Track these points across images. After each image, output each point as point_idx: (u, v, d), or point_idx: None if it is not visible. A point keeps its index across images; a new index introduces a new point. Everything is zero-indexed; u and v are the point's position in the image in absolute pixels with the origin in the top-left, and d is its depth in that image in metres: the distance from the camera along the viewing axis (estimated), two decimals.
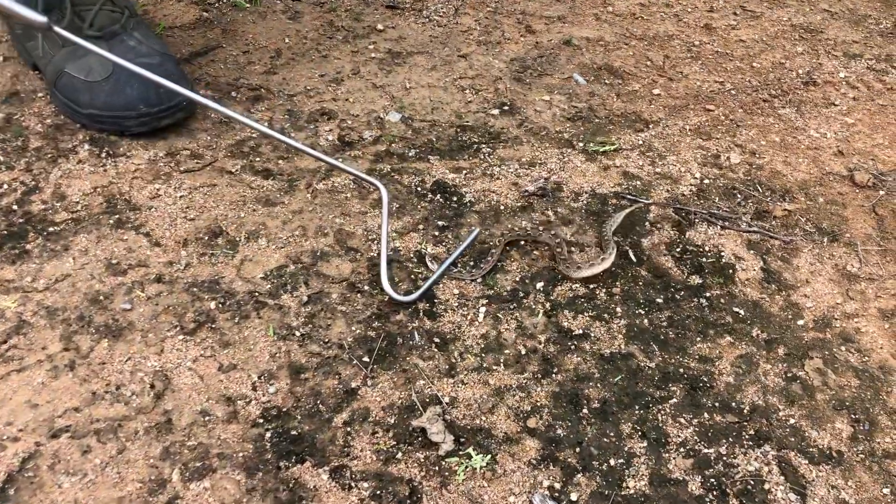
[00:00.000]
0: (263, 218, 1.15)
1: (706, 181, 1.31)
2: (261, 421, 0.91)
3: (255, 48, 1.49)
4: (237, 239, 1.11)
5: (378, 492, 0.86)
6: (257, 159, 1.25)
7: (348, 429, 0.92)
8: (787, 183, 1.32)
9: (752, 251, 1.20)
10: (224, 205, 1.16)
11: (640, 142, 1.38)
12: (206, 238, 1.11)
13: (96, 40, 1.22)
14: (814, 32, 1.74)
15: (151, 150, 1.24)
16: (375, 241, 1.13)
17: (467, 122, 1.38)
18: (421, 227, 1.16)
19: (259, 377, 0.95)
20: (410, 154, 1.29)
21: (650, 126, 1.42)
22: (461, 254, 1.11)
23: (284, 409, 0.93)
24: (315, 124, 1.33)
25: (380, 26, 1.59)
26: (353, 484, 0.86)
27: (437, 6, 1.68)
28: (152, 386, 0.93)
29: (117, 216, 1.12)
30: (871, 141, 1.44)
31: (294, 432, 0.91)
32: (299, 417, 0.92)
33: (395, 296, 1.04)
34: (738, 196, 1.29)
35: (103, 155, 1.22)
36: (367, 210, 1.18)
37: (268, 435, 0.90)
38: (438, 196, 1.22)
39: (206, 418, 0.91)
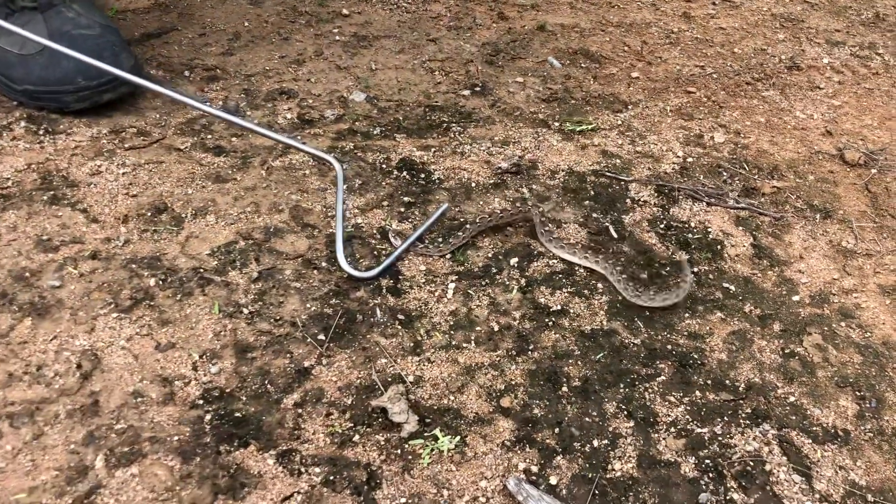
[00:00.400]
0: (213, 194, 1.05)
1: (689, 160, 1.23)
2: (200, 402, 0.81)
3: (213, 31, 1.41)
4: (183, 215, 1.02)
5: (331, 477, 0.76)
6: (209, 136, 1.16)
7: (299, 410, 0.81)
8: (774, 161, 1.25)
9: (740, 227, 1.11)
10: (171, 181, 1.07)
11: (619, 122, 1.31)
12: (149, 214, 1.01)
13: (31, 11, 1.13)
14: (795, 21, 1.68)
15: (95, 128, 1.14)
16: (335, 218, 1.04)
17: (436, 102, 1.30)
18: (385, 203, 1.07)
19: (201, 356, 0.85)
20: (375, 132, 1.21)
21: (629, 107, 1.35)
22: (428, 230, 1.02)
23: (228, 390, 0.82)
24: (273, 103, 1.24)
25: (345, 11, 1.51)
26: (302, 469, 0.76)
27: None
28: (79, 366, 0.83)
29: (52, 192, 1.03)
30: (859, 122, 1.37)
31: (238, 414, 0.80)
32: (244, 399, 0.82)
33: (352, 271, 0.95)
34: (724, 174, 1.21)
35: (41, 132, 1.12)
36: (328, 187, 1.09)
37: (208, 417, 0.80)
38: (405, 173, 1.13)
39: (139, 400, 0.80)
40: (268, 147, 1.15)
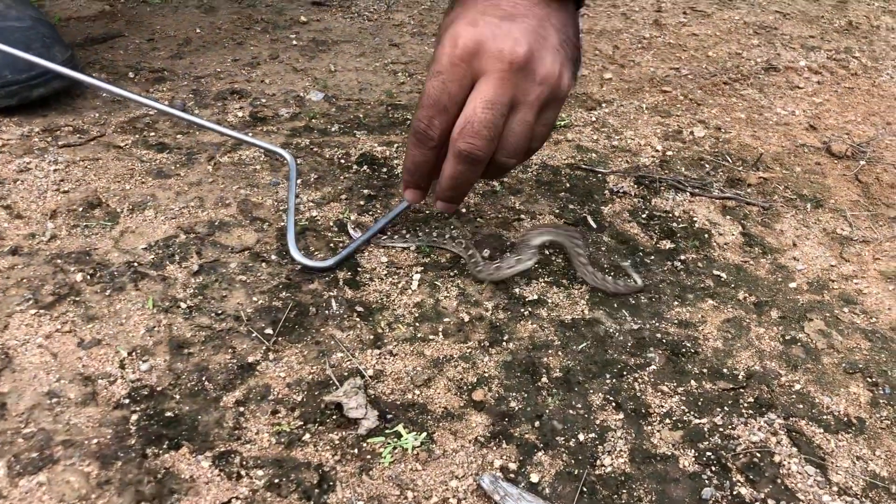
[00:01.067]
0: (153, 190, 0.96)
1: (669, 153, 1.16)
2: (126, 402, 0.70)
3: (162, 37, 1.33)
4: (118, 210, 0.92)
5: (276, 480, 0.65)
6: (152, 134, 1.07)
7: (241, 409, 0.71)
8: (758, 154, 1.17)
9: (728, 217, 1.03)
10: (107, 178, 0.97)
11: (594, 119, 1.24)
12: (81, 210, 0.91)
13: None
14: (768, 29, 1.64)
15: (26, 126, 1.05)
16: (287, 212, 0.94)
17: (399, 101, 1.22)
18: (344, 196, 0.98)
19: (130, 353, 0.75)
20: (333, 129, 1.13)
21: (603, 105, 1.28)
22: (390, 222, 0.93)
23: (159, 389, 0.72)
24: (223, 102, 1.16)
25: (304, 18, 1.45)
26: (242, 472, 0.65)
27: (367, 3, 1.55)
28: None
29: None
30: (842, 118, 1.31)
31: (169, 414, 0.70)
32: (178, 397, 0.71)
33: (305, 261, 0.85)
34: (707, 166, 1.14)
35: None
36: (280, 181, 1.00)
37: (134, 418, 0.69)
38: (365, 167, 1.04)
39: (54, 401, 0.69)
40: (216, 143, 1.06)
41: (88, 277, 0.82)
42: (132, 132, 1.06)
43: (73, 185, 0.95)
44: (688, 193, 1.06)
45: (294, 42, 1.35)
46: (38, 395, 0.70)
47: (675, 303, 0.88)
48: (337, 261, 0.86)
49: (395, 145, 1.10)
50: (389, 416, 0.71)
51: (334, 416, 0.71)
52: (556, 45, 0.75)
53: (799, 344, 0.85)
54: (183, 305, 0.80)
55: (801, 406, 0.77)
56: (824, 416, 0.77)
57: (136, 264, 0.85)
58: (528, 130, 0.76)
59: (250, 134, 1.08)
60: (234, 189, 0.97)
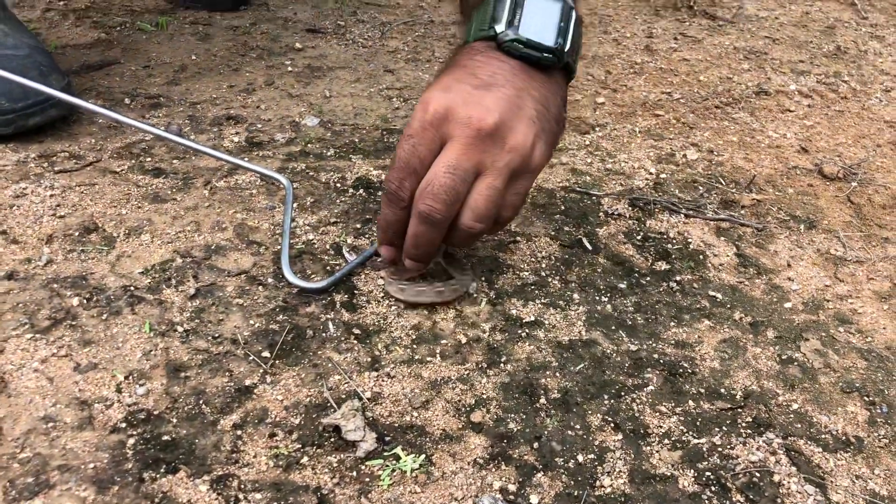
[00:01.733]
0: (150, 214, 0.96)
1: (663, 175, 1.17)
2: (123, 426, 0.70)
3: (158, 64, 1.34)
4: (115, 235, 0.92)
5: None
6: (148, 159, 1.07)
7: (239, 432, 0.71)
8: (751, 176, 1.18)
9: (722, 238, 1.04)
10: (103, 203, 0.97)
11: (587, 142, 1.24)
12: (77, 234, 0.91)
13: None
14: (758, 54, 1.66)
15: (22, 153, 1.05)
16: (282, 235, 0.94)
17: (395, 126, 1.23)
18: (340, 221, 0.99)
19: (126, 377, 0.74)
20: (329, 153, 1.13)
21: (596, 129, 1.29)
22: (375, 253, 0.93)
23: (156, 412, 0.71)
24: (219, 127, 1.16)
25: (298, 45, 1.46)
26: (241, 496, 0.65)
27: (361, 31, 1.56)
28: None
29: None
30: (833, 140, 1.33)
31: (166, 437, 0.69)
32: (175, 421, 0.71)
33: (298, 282, 0.85)
34: (701, 188, 1.15)
35: None
36: (276, 206, 1.00)
37: (130, 442, 0.68)
38: (361, 191, 1.05)
39: (50, 425, 0.69)
40: (212, 168, 1.06)
41: (85, 302, 0.82)
42: (128, 157, 1.07)
43: (69, 211, 0.95)
44: (682, 215, 1.07)
45: (289, 68, 1.37)
46: (34, 419, 0.69)
47: (672, 323, 0.89)
48: (330, 282, 0.86)
49: None
50: (388, 439, 0.71)
51: (332, 439, 0.71)
52: (531, 116, 0.77)
53: (795, 363, 0.85)
54: (180, 329, 0.80)
55: (800, 425, 0.77)
56: (822, 436, 0.77)
57: (132, 288, 0.85)
58: (496, 196, 0.77)
59: (246, 159, 1.08)
60: (231, 213, 0.98)
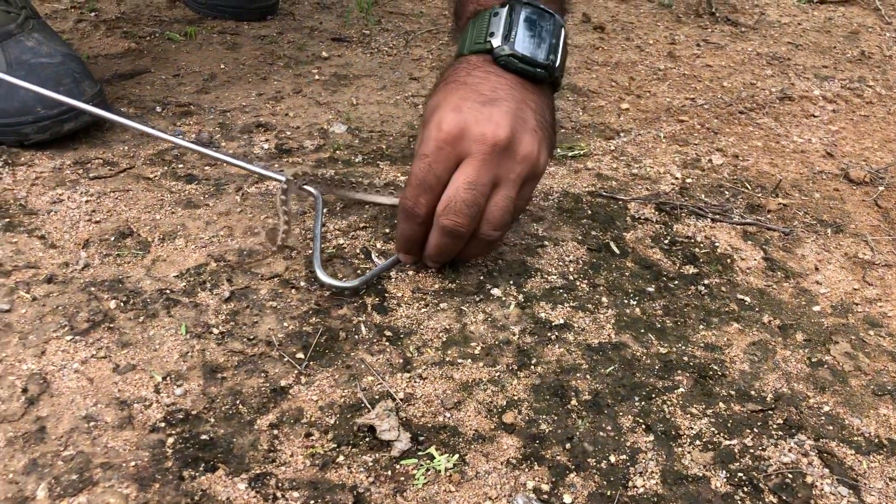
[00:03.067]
0: (183, 220, 0.98)
1: (689, 180, 1.17)
2: (162, 426, 0.71)
3: (188, 73, 1.36)
4: (150, 240, 0.94)
5: (312, 502, 0.65)
6: (180, 166, 1.09)
7: (275, 431, 0.72)
8: (776, 181, 1.19)
9: (749, 242, 1.04)
10: (138, 208, 0.99)
11: (612, 147, 1.25)
12: (113, 239, 0.93)
13: None
14: (781, 60, 1.66)
15: (58, 160, 1.07)
16: (314, 240, 0.96)
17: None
18: (369, 226, 1.00)
19: (164, 378, 0.76)
20: (357, 160, 1.15)
21: (621, 134, 1.30)
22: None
23: (194, 412, 0.73)
24: (249, 135, 1.18)
25: (325, 54, 1.48)
26: (278, 494, 0.66)
27: (386, 39, 1.58)
28: (24, 390, 0.73)
29: (8, 220, 0.95)
30: (859, 145, 1.33)
31: (205, 437, 0.70)
32: (213, 421, 0.72)
33: (330, 281, 0.86)
34: (727, 193, 1.15)
35: (0, 164, 1.05)
36: (307, 210, 1.01)
37: (170, 441, 0.70)
38: None
39: (91, 424, 0.70)
40: (243, 175, 1.08)
41: (122, 305, 0.84)
42: (161, 164, 1.08)
43: (104, 216, 0.97)
44: (709, 219, 1.07)
45: (316, 77, 1.38)
46: (76, 418, 0.71)
47: (701, 326, 0.89)
48: (362, 281, 0.87)
49: None
50: (421, 439, 0.72)
51: (367, 439, 0.71)
52: (534, 126, 0.82)
53: (826, 366, 0.85)
54: (215, 331, 0.82)
55: (831, 428, 0.78)
56: (855, 438, 0.77)
57: (168, 292, 0.86)
58: (511, 206, 0.82)
59: (277, 166, 1.10)
60: (262, 218, 0.99)
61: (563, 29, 0.87)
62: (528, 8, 0.85)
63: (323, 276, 0.87)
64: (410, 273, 0.92)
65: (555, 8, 0.87)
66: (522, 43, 0.83)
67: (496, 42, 0.83)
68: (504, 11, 0.84)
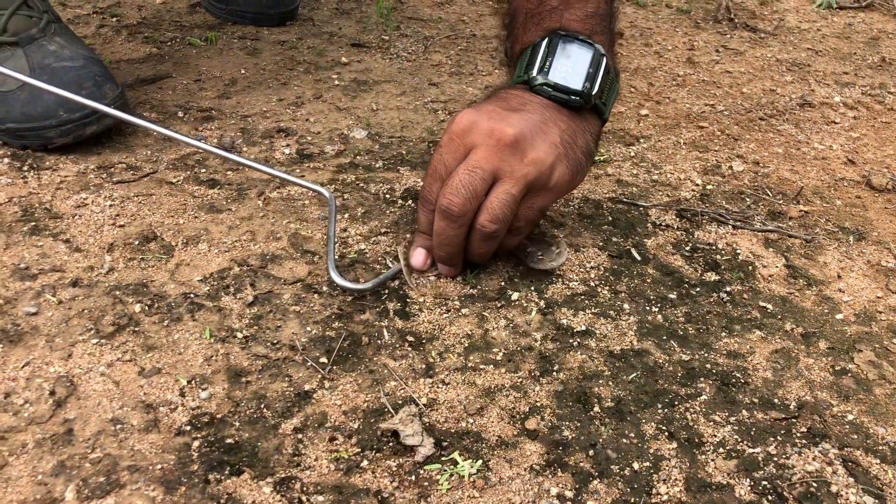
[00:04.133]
0: (206, 224, 0.98)
1: (710, 187, 1.17)
2: (188, 429, 0.72)
3: (209, 78, 1.37)
4: (173, 244, 0.95)
5: None
6: (203, 171, 1.10)
7: (299, 436, 0.72)
8: (798, 188, 1.18)
9: (770, 249, 1.04)
10: (161, 213, 1.00)
11: (632, 154, 1.25)
12: (137, 243, 0.94)
13: (11, 46, 1.09)
14: (801, 66, 1.65)
15: (82, 164, 1.08)
16: (336, 244, 0.96)
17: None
18: (390, 231, 1.00)
19: (189, 382, 0.76)
20: (378, 165, 1.15)
21: (640, 140, 1.29)
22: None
23: (219, 416, 0.73)
24: (270, 140, 1.19)
25: (344, 59, 1.48)
26: (304, 498, 0.66)
27: (405, 45, 1.58)
28: (52, 393, 0.74)
29: (33, 224, 0.96)
30: (881, 152, 1.32)
31: (230, 441, 0.71)
32: (237, 424, 0.73)
33: (343, 282, 0.87)
34: (748, 200, 1.15)
35: (25, 168, 1.06)
36: (328, 216, 1.02)
37: (196, 444, 0.70)
38: (409, 202, 1.06)
39: (118, 427, 0.71)
40: (265, 179, 1.08)
41: (147, 308, 0.85)
42: (183, 169, 1.09)
43: (128, 220, 0.98)
44: (730, 226, 1.07)
45: (336, 82, 1.39)
46: (103, 421, 0.72)
47: (723, 334, 0.89)
48: (376, 284, 0.88)
49: None
50: (445, 444, 0.72)
51: (391, 444, 0.72)
52: (555, 141, 0.85)
53: (849, 374, 0.85)
54: (239, 335, 0.82)
55: (856, 436, 0.77)
56: (880, 447, 0.76)
57: (192, 296, 0.87)
58: (511, 202, 0.83)
59: (298, 171, 1.10)
60: (285, 223, 1.00)
61: (603, 59, 0.89)
62: (567, 39, 0.88)
63: (337, 277, 0.87)
64: (432, 279, 0.92)
65: (599, 40, 0.89)
66: (557, 73, 0.87)
67: (533, 73, 0.88)
68: (543, 43, 0.88)
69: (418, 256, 0.92)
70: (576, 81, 0.86)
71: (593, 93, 0.87)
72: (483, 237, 0.85)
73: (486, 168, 0.82)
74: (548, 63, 0.87)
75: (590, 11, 0.90)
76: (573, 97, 0.87)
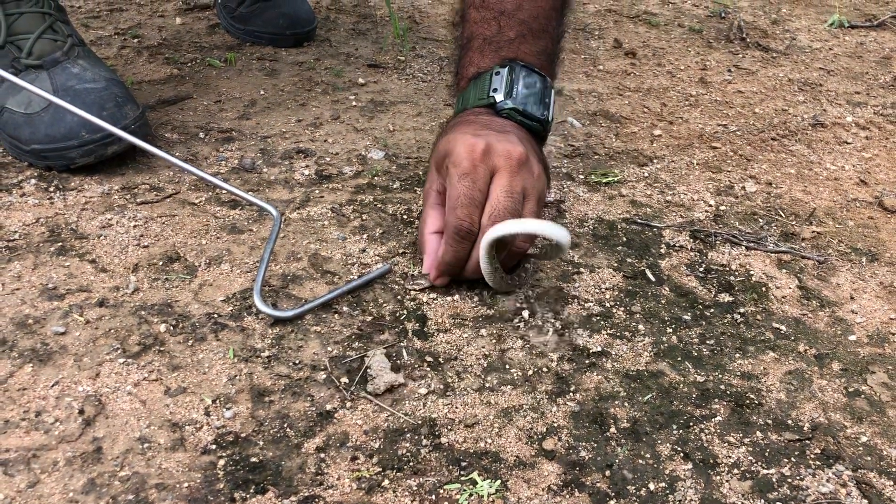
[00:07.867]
0: (228, 245, 1.00)
1: (723, 207, 1.19)
2: (213, 448, 0.73)
3: (229, 99, 1.39)
4: (196, 264, 0.97)
5: None
6: (224, 192, 1.12)
7: (322, 455, 0.74)
8: (810, 209, 1.20)
9: (783, 270, 1.05)
10: (184, 233, 1.02)
11: (646, 174, 1.27)
12: (161, 264, 0.96)
13: (36, 70, 1.12)
14: (813, 86, 1.67)
15: (106, 185, 1.11)
16: (355, 266, 0.98)
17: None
18: (408, 252, 1.02)
19: (214, 401, 0.78)
20: (395, 186, 1.17)
21: (654, 161, 1.31)
22: (360, 286, 0.95)
23: (243, 435, 0.75)
24: (290, 161, 1.21)
25: (361, 80, 1.51)
26: None
27: (421, 65, 1.61)
28: (81, 412, 0.76)
29: (60, 244, 0.98)
30: (893, 173, 1.33)
31: (254, 459, 0.73)
32: (261, 443, 0.74)
33: (266, 309, 0.88)
34: (761, 220, 1.16)
35: (51, 189, 1.09)
36: (347, 237, 1.04)
37: (221, 463, 0.72)
38: None
39: (145, 446, 0.73)
40: (285, 200, 1.11)
41: (171, 328, 0.87)
42: (205, 190, 1.12)
43: (152, 241, 1.00)
44: (743, 247, 1.09)
45: (353, 103, 1.41)
46: (131, 440, 0.73)
47: (737, 355, 0.90)
48: (299, 312, 0.89)
49: None
50: (464, 464, 0.74)
51: (411, 463, 0.73)
52: (538, 158, 0.94)
53: (863, 396, 0.86)
54: (262, 355, 0.84)
55: (869, 458, 0.78)
56: (894, 469, 0.77)
57: (215, 316, 0.89)
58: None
59: (317, 192, 1.12)
60: (304, 244, 1.02)
61: (552, 91, 0.99)
62: (525, 70, 0.97)
63: (260, 302, 0.88)
64: (449, 299, 0.94)
65: (547, 72, 1.00)
66: (521, 99, 0.95)
67: (499, 97, 0.95)
68: (504, 71, 0.96)
69: (439, 283, 0.96)
70: (537, 110, 0.96)
71: (550, 120, 0.98)
72: (518, 255, 0.92)
73: (519, 189, 0.88)
74: (514, 90, 0.95)
75: (541, 48, 1.00)
76: (535, 124, 0.96)
